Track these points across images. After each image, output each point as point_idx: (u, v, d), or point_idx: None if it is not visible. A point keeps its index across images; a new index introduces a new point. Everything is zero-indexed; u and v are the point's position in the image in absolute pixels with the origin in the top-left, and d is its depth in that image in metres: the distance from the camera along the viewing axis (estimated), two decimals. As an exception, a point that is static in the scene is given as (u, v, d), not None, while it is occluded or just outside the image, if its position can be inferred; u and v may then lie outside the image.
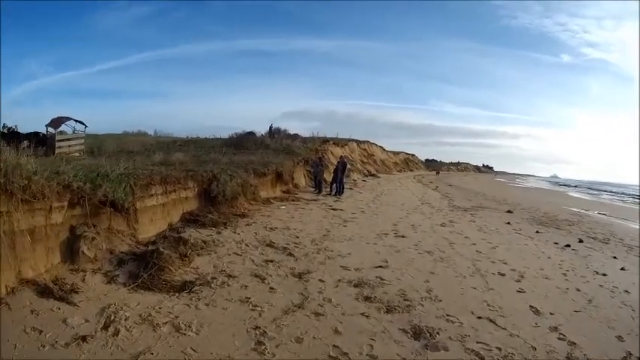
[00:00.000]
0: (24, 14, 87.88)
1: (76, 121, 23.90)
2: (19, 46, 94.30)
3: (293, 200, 20.81)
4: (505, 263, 11.46)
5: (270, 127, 32.41)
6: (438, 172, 72.26)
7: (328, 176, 26.58)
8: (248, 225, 14.47)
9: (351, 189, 29.21)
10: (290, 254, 11.44)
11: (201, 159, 19.54)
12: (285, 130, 33.12)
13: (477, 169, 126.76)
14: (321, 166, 26.10)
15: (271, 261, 10.30)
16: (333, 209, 19.25)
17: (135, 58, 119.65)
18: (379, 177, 44.42)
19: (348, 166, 31.96)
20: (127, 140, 29.58)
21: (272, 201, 19.35)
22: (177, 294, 7.58)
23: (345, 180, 26.72)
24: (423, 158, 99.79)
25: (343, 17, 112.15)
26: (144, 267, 8.34)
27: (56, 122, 22.94)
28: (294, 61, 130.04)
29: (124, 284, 7.75)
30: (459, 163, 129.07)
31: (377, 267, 10.48)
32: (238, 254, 11.00)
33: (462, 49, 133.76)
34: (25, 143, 20.45)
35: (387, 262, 10.93)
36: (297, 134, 33.54)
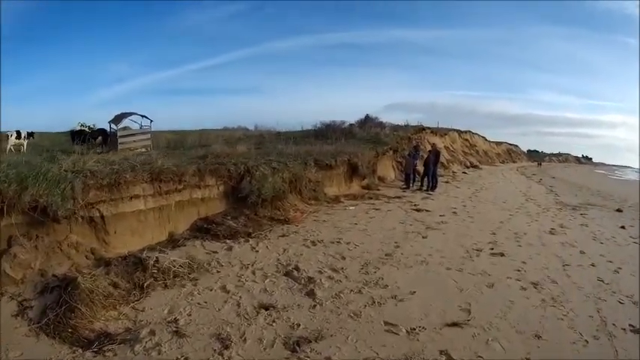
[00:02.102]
0: (111, 15, 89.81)
1: (142, 116, 20.84)
2: (107, 48, 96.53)
3: (370, 198, 15.98)
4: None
5: (366, 117, 27.50)
6: (539, 164, 62.21)
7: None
8: (284, 236, 10.04)
9: (447, 182, 23.61)
10: (311, 293, 6.86)
11: (263, 150, 15.72)
12: (375, 118, 27.92)
13: (577, 160, 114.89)
14: (416, 157, 20.76)
15: (269, 307, 6.37)
16: (417, 209, 14.20)
17: (229, 56, 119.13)
18: (481, 169, 38.27)
19: (444, 157, 26.73)
20: (212, 135, 26.05)
21: (342, 199, 15.06)
22: (81, 350, 5.10)
23: (439, 172, 21.61)
24: (524, 149, 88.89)
25: (430, 6, 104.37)
26: (56, 303, 5.95)
27: (118, 118, 20.37)
28: (390, 53, 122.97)
29: (30, 321, 5.70)
30: (559, 154, 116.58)
31: (450, 325, 5.94)
32: (225, 290, 6.94)
33: (550, 34, 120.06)
34: (100, 139, 19.51)
35: (469, 311, 6.38)
36: (383, 122, 27.96)
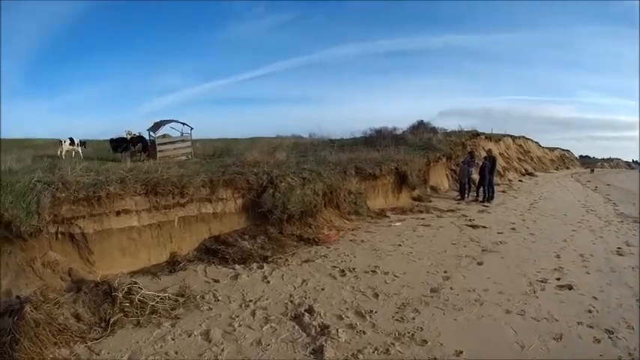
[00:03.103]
0: (161, 28, 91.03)
1: (183, 123, 19.99)
2: (158, 60, 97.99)
3: (420, 211, 13.75)
4: None
5: (418, 123, 25.18)
6: (592, 170, 60.95)
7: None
8: (308, 261, 8.11)
9: (504, 192, 21.11)
10: (319, 351, 4.89)
11: (302, 158, 13.83)
12: (428, 124, 25.41)
13: (628, 165, 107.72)
14: (471, 165, 18.23)
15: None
16: (473, 226, 11.88)
17: (281, 65, 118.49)
18: (537, 176, 35.12)
19: (500, 165, 23.85)
20: (261, 142, 24.80)
21: (388, 213, 12.91)
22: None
23: (495, 180, 19.17)
24: (576, 154, 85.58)
25: (473, 10, 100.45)
26: (6, 331, 4.77)
27: (156, 126, 19.69)
28: (442, 58, 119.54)
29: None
30: (610, 159, 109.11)
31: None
32: (207, 338, 5.23)
33: (595, 33, 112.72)
34: (140, 147, 18.88)
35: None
36: (435, 127, 25.51)
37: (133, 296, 5.67)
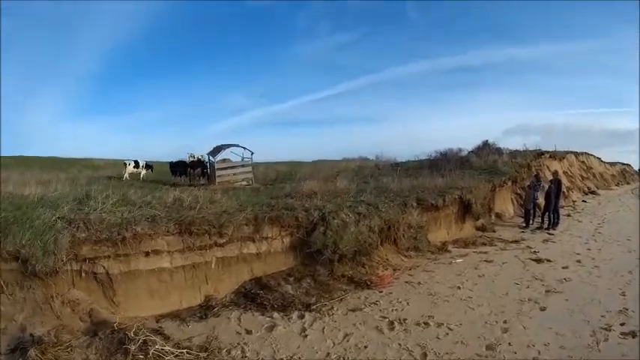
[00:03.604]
0: (220, 48, 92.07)
1: (243, 148, 19.62)
2: (221, 81, 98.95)
3: (484, 244, 12.61)
4: None
5: (483, 144, 23.74)
6: None
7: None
8: (355, 310, 7.19)
9: (568, 215, 19.45)
10: None
11: (364, 185, 13.08)
12: (493, 145, 23.84)
13: None
14: (537, 189, 17.04)
15: None
16: (537, 260, 10.97)
17: (346, 85, 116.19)
18: (599, 194, 33.09)
19: (564, 186, 21.86)
20: (326, 166, 24.10)
21: (450, 247, 11.75)
22: None
23: (560, 203, 17.90)
24: (635, 167, 78.37)
25: (538, 21, 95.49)
26: None
27: (216, 150, 19.44)
28: (502, 73, 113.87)
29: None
30: None
31: None
32: None
33: None
34: (199, 171, 18.97)
35: None
36: (501, 148, 23.91)
37: (149, 348, 5.15)
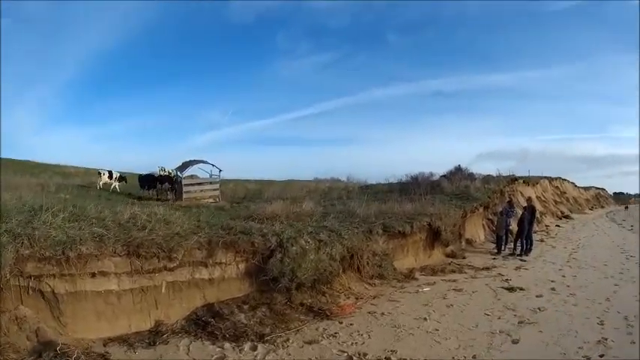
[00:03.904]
0: (199, 63, 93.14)
1: (212, 165, 19.16)
2: (198, 96, 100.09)
3: (453, 271, 12.25)
4: None
5: (456, 169, 23.67)
6: (627, 207, 61.52)
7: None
8: (312, 343, 6.71)
9: (542, 241, 19.53)
10: None
11: (331, 208, 12.97)
12: (465, 170, 23.85)
13: None
14: (510, 215, 16.87)
15: None
16: (509, 288, 10.54)
17: (322, 106, 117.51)
18: (573, 218, 33.85)
19: (538, 211, 21.64)
20: (296, 185, 24.14)
21: (417, 275, 11.29)
22: None
23: (534, 228, 17.88)
24: (610, 191, 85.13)
25: (514, 47, 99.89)
26: None
27: (184, 165, 19.02)
28: (477, 98, 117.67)
29: None
30: None
31: None
32: None
33: (622, 62, 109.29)
34: (167, 186, 18.55)
35: None
36: (473, 173, 23.97)
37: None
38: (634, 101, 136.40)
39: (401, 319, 7.91)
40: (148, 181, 18.77)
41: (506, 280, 11.38)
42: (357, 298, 8.74)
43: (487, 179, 22.53)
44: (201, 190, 18.17)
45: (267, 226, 9.04)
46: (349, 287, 9.05)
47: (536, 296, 9.77)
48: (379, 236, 10.53)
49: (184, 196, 17.19)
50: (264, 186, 23.26)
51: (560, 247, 18.24)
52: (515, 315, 8.35)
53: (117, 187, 19.12)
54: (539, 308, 8.80)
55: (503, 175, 25.02)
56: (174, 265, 7.13)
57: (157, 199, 17.43)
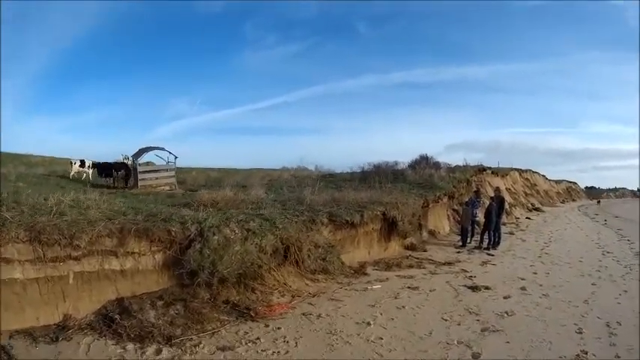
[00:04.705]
0: (167, 52, 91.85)
1: (169, 152, 18.76)
2: (165, 85, 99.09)
3: (411, 266, 11.15)
4: None
5: (420, 158, 22.92)
6: (599, 201, 62.01)
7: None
8: (225, 349, 5.81)
9: (511, 234, 18.77)
10: None
11: (276, 197, 12.03)
12: (431, 159, 23.15)
13: (633, 194, 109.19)
14: (476, 206, 16.10)
15: None
16: (473, 287, 9.37)
17: (291, 96, 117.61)
18: (544, 211, 33.53)
19: (507, 203, 21.57)
20: (258, 174, 23.67)
21: (368, 269, 10.35)
22: None
23: (502, 220, 17.06)
24: (582, 186, 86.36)
25: (488, 41, 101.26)
26: None
27: (139, 152, 18.70)
28: (450, 91, 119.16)
29: None
30: (616, 189, 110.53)
31: None
32: None
33: (597, 59, 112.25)
34: (122, 173, 18.04)
35: None
36: (439, 162, 23.32)
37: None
38: (605, 96, 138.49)
39: (340, 324, 6.91)
40: (104, 168, 18.24)
41: (470, 277, 10.38)
42: (293, 296, 7.90)
43: (453, 169, 21.90)
44: (157, 178, 17.64)
45: (195, 213, 8.15)
46: (285, 283, 8.18)
47: (504, 297, 8.69)
48: (324, 226, 9.74)
49: (140, 183, 16.74)
50: (227, 174, 22.72)
51: (530, 240, 17.48)
52: (478, 320, 7.26)
53: (89, 174, 18.46)
54: (506, 312, 7.69)
55: (471, 165, 24.41)
56: (80, 253, 6.39)
57: (113, 187, 16.85)
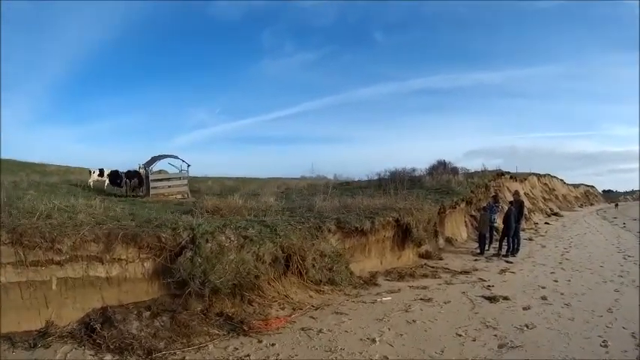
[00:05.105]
0: (185, 61, 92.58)
1: (182, 160, 18.44)
2: (184, 94, 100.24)
3: (425, 276, 10.46)
4: None
5: (442, 164, 22.29)
6: (616, 205, 59.18)
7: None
8: None
9: (530, 239, 18.09)
10: None
11: (287, 204, 11.43)
12: (449, 164, 22.72)
13: None
14: (494, 211, 15.36)
15: None
16: (490, 298, 8.62)
17: (310, 105, 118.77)
18: (562, 216, 32.62)
19: (526, 208, 20.69)
20: (275, 183, 23.63)
21: (380, 280, 9.74)
22: None
23: (522, 226, 16.36)
24: (599, 189, 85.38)
25: (500, 46, 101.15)
26: None
27: (151, 161, 18.50)
28: (468, 97, 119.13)
29: None
30: (633, 192, 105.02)
31: None
32: None
33: (616, 61, 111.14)
34: (135, 182, 17.76)
35: None
36: (457, 167, 22.90)
37: None
38: (623, 99, 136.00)
39: (341, 340, 6.22)
40: (115, 177, 18.16)
41: (488, 286, 9.64)
42: (294, 309, 7.29)
43: (472, 174, 21.33)
44: (169, 186, 17.47)
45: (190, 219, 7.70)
46: (286, 295, 7.61)
47: (524, 308, 7.99)
48: (331, 234, 9.13)
49: (151, 192, 16.58)
50: (243, 183, 22.63)
51: (550, 246, 16.70)
52: (495, 335, 6.54)
53: (108, 184, 18.41)
54: (526, 325, 6.98)
55: (489, 170, 23.89)
56: (63, 258, 6.06)
57: (126, 196, 16.61)
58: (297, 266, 8.03)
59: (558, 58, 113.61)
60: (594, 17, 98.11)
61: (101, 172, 18.22)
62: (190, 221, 7.36)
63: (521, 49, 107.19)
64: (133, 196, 16.69)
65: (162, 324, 6.01)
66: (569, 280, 10.38)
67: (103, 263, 6.31)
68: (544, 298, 8.71)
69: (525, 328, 6.81)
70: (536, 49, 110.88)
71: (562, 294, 9.04)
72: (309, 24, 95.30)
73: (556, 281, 10.28)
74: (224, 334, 6.12)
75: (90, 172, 18.47)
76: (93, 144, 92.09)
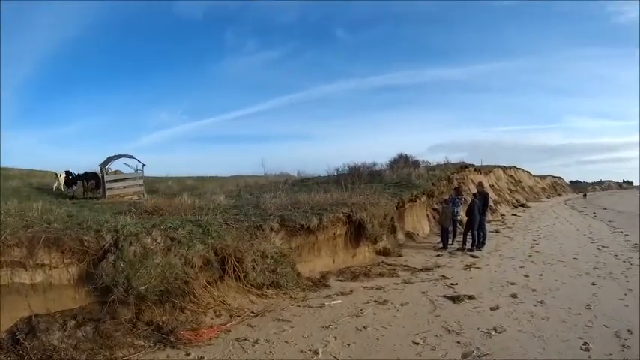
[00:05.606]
0: (148, 61, 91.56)
1: (137, 160, 18.41)
2: (147, 95, 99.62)
3: (381, 274, 10.21)
4: None
5: (403, 158, 22.41)
6: (585, 195, 63.59)
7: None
8: None
9: (497, 232, 18.31)
10: None
11: (236, 202, 11.43)
12: (410, 158, 23.01)
13: (619, 186, 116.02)
14: (457, 204, 15.20)
15: None
16: (454, 297, 8.24)
17: (272, 103, 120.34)
18: (529, 207, 34.16)
19: (492, 199, 21.26)
20: (233, 181, 23.78)
21: (331, 280, 9.50)
22: None
23: (487, 218, 16.68)
24: (567, 180, 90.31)
25: (463, 42, 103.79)
26: None
27: (106, 161, 18.14)
28: (431, 93, 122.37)
29: None
30: (601, 182, 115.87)
31: None
32: None
33: (579, 56, 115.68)
34: (93, 183, 17.71)
35: None
36: (418, 160, 23.16)
37: None
38: (585, 93, 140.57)
39: (279, 352, 5.78)
40: (73, 178, 18.07)
41: (451, 284, 9.29)
42: (231, 316, 7.01)
43: (433, 167, 21.68)
44: (124, 187, 17.39)
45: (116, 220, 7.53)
46: (223, 301, 7.39)
47: (491, 308, 7.54)
48: (274, 232, 9.02)
49: (107, 193, 16.43)
50: (204, 182, 22.85)
51: (519, 238, 16.90)
52: (458, 342, 5.98)
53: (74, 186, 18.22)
54: (495, 328, 6.46)
55: (453, 163, 24.28)
56: None
57: (84, 198, 16.68)
58: (235, 269, 7.78)
59: (520, 53, 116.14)
60: (556, 13, 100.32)
61: (68, 175, 17.94)
62: (116, 222, 7.12)
63: (483, 45, 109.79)
64: (90, 197, 16.58)
65: (84, 334, 5.84)
66: (541, 275, 10.14)
67: (26, 269, 6.09)
68: (514, 295, 8.35)
69: (494, 332, 6.34)
70: (498, 45, 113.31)
71: (534, 290, 8.71)
72: (272, 22, 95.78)
73: (526, 276, 10.03)
74: (150, 346, 5.87)
75: (57, 175, 18.05)
76: (58, 147, 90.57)
